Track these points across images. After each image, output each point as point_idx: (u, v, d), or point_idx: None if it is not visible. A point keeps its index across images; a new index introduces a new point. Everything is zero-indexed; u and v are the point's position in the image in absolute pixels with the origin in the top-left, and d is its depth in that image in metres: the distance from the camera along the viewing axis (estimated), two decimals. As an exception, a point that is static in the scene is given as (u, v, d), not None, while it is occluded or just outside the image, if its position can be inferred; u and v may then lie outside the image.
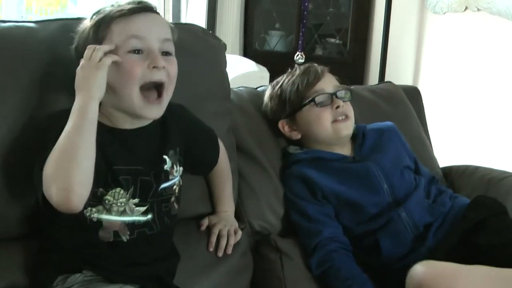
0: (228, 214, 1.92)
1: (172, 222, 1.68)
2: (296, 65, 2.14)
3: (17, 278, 1.63)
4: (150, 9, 1.60)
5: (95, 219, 1.54)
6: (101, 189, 1.52)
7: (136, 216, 1.58)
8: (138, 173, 1.57)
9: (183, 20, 4.42)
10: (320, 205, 1.96)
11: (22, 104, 1.66)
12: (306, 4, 4.48)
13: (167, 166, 1.63)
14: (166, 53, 1.58)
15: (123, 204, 1.55)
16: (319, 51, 4.73)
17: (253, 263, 1.94)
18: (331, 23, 4.70)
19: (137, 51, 1.53)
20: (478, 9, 3.58)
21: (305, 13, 4.49)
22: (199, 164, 1.84)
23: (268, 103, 2.11)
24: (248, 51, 4.66)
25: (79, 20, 1.65)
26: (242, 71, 3.58)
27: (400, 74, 4.11)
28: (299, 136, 2.08)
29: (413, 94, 2.56)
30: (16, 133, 1.64)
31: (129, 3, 1.58)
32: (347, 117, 2.03)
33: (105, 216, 1.54)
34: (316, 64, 2.11)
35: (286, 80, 2.08)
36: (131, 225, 1.57)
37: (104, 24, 1.55)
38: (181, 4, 4.44)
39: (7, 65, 1.68)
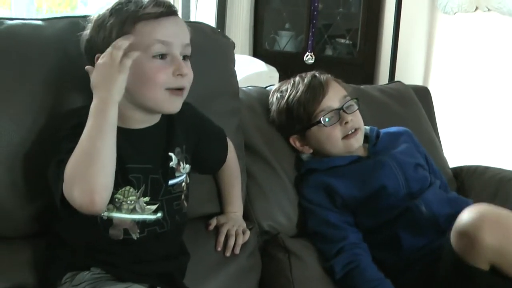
0: (236, 215, 1.92)
1: (182, 220, 1.68)
2: (298, 77, 2.09)
3: (26, 277, 1.63)
4: (175, 13, 1.59)
5: (105, 217, 1.53)
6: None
7: (147, 214, 1.58)
8: (148, 171, 1.57)
9: (193, 19, 4.41)
10: (340, 213, 1.95)
11: (30, 102, 1.66)
12: (316, 4, 4.47)
13: (172, 163, 1.62)
14: (185, 57, 1.58)
15: (133, 202, 1.55)
16: (329, 52, 4.73)
17: (261, 263, 1.93)
18: (341, 23, 4.70)
19: (160, 56, 1.53)
20: (489, 9, 3.56)
21: (315, 13, 4.49)
22: (207, 163, 1.84)
23: (276, 118, 2.09)
24: (257, 51, 4.66)
25: (86, 17, 1.64)
26: (251, 71, 3.58)
27: (410, 74, 4.10)
28: (311, 151, 2.08)
29: (423, 94, 2.55)
30: (24, 132, 1.64)
31: (153, 3, 1.55)
32: (357, 129, 2.02)
33: (115, 214, 1.54)
34: (318, 74, 2.07)
35: (291, 95, 2.04)
36: (142, 224, 1.57)
37: (129, 23, 1.52)
38: (190, 4, 4.44)
39: (14, 63, 1.67)
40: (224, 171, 1.91)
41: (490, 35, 3.61)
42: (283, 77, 3.56)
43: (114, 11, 1.55)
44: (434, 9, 4.05)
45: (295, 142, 2.08)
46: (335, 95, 2.03)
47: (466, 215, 1.62)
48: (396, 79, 3.44)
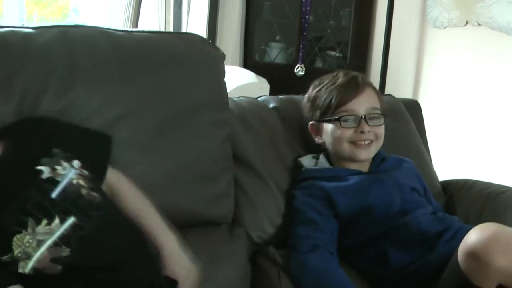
0: (172, 252, 1.65)
1: (102, 212, 1.52)
2: (342, 72, 2.13)
3: None
4: None
5: (31, 271, 1.41)
6: (4, 258, 1.40)
7: (57, 232, 1.43)
8: (21, 204, 1.44)
9: (184, 30, 4.41)
10: (328, 220, 1.94)
11: (17, 110, 1.66)
12: (307, 16, 4.48)
13: (45, 175, 1.50)
14: None
15: (31, 240, 1.41)
16: (319, 64, 4.73)
17: (250, 274, 1.92)
18: (331, 36, 4.71)
19: None
20: (479, 24, 3.58)
21: (306, 25, 4.49)
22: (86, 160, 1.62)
23: (306, 102, 2.15)
24: (248, 63, 4.66)
25: (76, 27, 1.64)
26: (242, 82, 3.57)
27: (400, 88, 4.11)
28: (321, 141, 2.11)
29: (413, 108, 2.56)
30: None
31: None
32: (372, 142, 2.04)
33: (32, 262, 1.41)
34: (361, 77, 2.12)
35: (327, 84, 2.09)
36: (62, 240, 1.43)
37: None
38: (182, 15, 4.44)
39: (3, 71, 1.68)
40: (123, 201, 1.68)
41: (480, 50, 3.63)
42: (274, 88, 3.57)
43: None
44: (424, 23, 4.06)
45: (312, 128, 2.12)
46: (365, 102, 2.05)
47: (476, 236, 1.57)
48: (386, 93, 3.45)
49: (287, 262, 1.89)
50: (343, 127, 2.02)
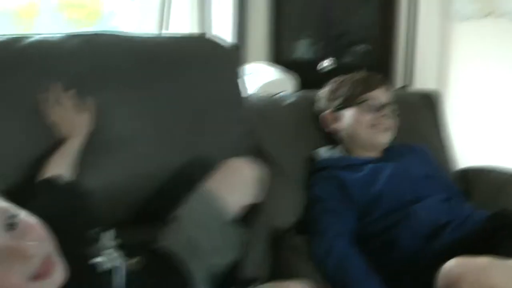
0: None
1: None
2: (361, 71, 2.27)
3: None
4: None
5: None
6: None
7: None
8: None
9: (211, 30, 4.46)
10: (347, 209, 2.02)
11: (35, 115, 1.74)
12: (333, 12, 4.54)
13: None
14: None
15: None
16: (346, 58, 4.75)
17: (270, 260, 1.98)
18: (357, 31, 4.74)
19: None
20: (501, 15, 3.60)
21: (332, 20, 4.55)
22: None
23: (325, 94, 2.26)
24: (276, 59, 4.70)
25: (97, 35, 1.69)
26: (270, 79, 3.64)
27: (424, 80, 4.13)
28: (336, 129, 2.21)
29: (431, 98, 2.59)
30: (32, 143, 1.72)
31: None
32: (387, 129, 2.16)
33: None
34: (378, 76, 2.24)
35: (349, 77, 2.23)
36: None
37: None
38: (211, 14, 4.48)
39: (31, 79, 1.76)
40: None
41: (503, 41, 3.64)
42: (302, 84, 3.63)
43: None
44: (447, 15, 4.07)
45: (327, 117, 2.22)
46: (385, 94, 2.20)
47: (447, 273, 1.57)
48: (411, 85, 3.50)
49: (312, 246, 1.97)
50: (367, 110, 2.15)
